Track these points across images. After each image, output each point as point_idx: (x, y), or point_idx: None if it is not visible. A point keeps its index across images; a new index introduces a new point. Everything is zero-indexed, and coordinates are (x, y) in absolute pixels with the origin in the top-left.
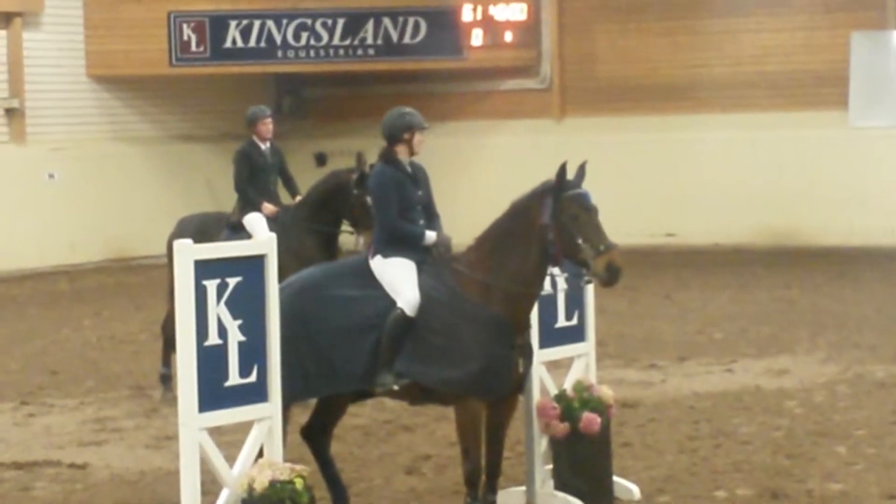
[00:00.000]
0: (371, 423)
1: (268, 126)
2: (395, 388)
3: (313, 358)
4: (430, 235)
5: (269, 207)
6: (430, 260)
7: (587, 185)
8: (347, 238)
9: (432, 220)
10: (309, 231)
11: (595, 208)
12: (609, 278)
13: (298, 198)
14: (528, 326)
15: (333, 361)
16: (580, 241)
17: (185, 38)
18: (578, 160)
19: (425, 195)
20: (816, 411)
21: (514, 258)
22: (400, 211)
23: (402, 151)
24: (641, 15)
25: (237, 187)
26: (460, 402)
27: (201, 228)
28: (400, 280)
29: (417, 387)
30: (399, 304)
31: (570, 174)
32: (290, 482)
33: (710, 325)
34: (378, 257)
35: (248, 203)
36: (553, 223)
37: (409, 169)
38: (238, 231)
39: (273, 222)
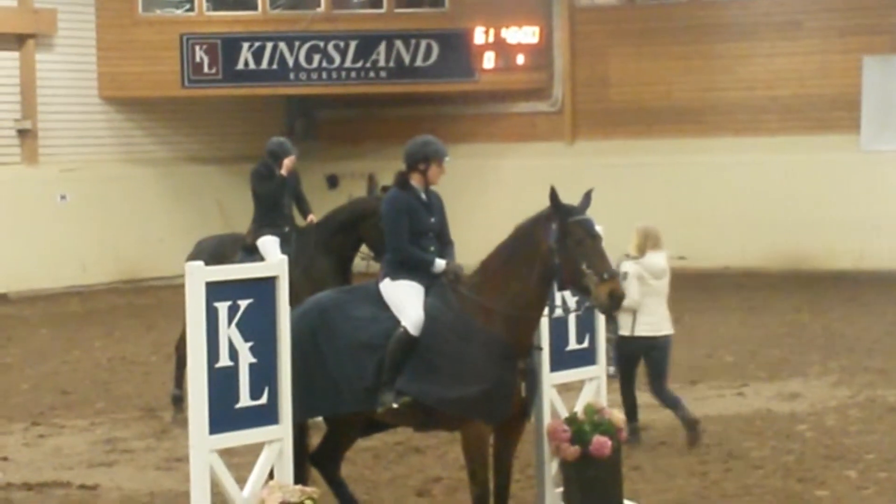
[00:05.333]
0: (382, 446)
1: (287, 164)
2: (395, 405)
3: (320, 377)
4: (440, 263)
5: (287, 163)
6: (437, 283)
7: (598, 208)
8: (358, 262)
9: (445, 247)
10: (325, 253)
11: (600, 235)
12: (611, 306)
13: (311, 217)
14: (531, 350)
15: (338, 380)
16: (584, 266)
17: (198, 59)
18: (590, 183)
19: (438, 222)
20: (827, 435)
21: (517, 282)
22: (412, 237)
23: (416, 179)
24: (654, 38)
25: (261, 198)
26: (465, 426)
27: (217, 250)
28: (406, 301)
29: (420, 408)
30: (403, 324)
31: (573, 201)
32: None
33: (721, 348)
34: (387, 280)
35: (266, 201)
36: (558, 247)
37: (423, 196)
38: (252, 253)
39: (288, 245)
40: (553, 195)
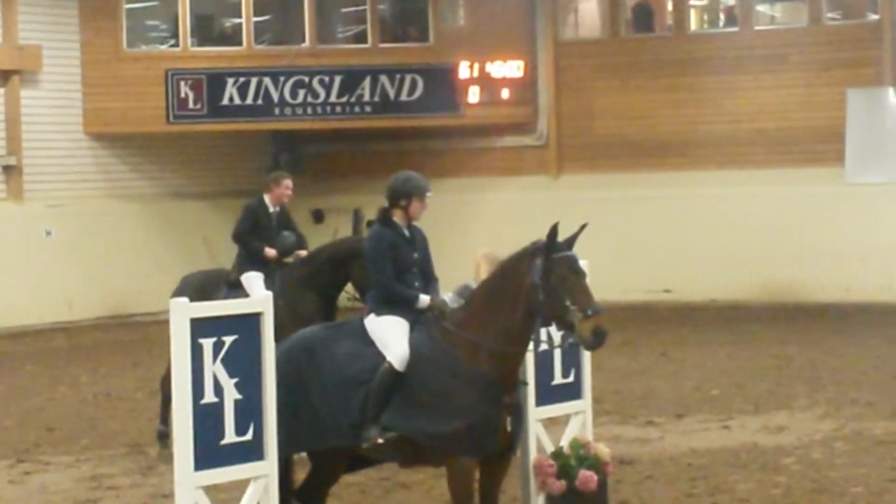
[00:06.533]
0: (367, 481)
1: (285, 191)
2: (381, 441)
3: (305, 412)
4: (424, 299)
5: (270, 252)
6: (422, 319)
7: (584, 242)
8: (342, 299)
9: (429, 283)
10: (309, 289)
11: (584, 272)
12: (595, 342)
13: (303, 252)
14: (516, 385)
15: (323, 416)
16: (568, 303)
17: (183, 95)
18: (575, 217)
19: (422, 258)
20: (814, 468)
21: (501, 317)
22: (396, 273)
23: (398, 215)
24: (638, 72)
25: (236, 237)
26: (451, 461)
27: (202, 286)
28: (391, 336)
29: (405, 444)
30: (388, 359)
31: (564, 235)
32: None
33: (708, 381)
34: (371, 315)
35: (249, 253)
36: (542, 284)
37: (406, 232)
38: (236, 288)
39: (271, 281)
40: (553, 231)
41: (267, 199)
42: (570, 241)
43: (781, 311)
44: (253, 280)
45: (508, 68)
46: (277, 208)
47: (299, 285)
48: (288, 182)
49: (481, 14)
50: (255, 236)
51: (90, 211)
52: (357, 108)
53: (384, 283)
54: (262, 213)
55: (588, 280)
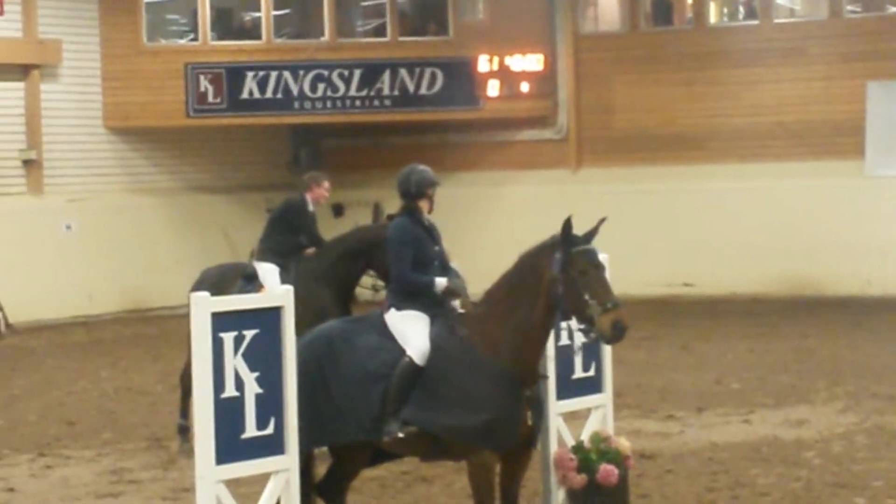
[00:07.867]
0: (388, 475)
1: (324, 192)
2: (401, 435)
3: (326, 407)
4: (441, 282)
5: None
6: (442, 312)
7: (604, 236)
8: (363, 291)
9: (448, 274)
10: (326, 282)
11: (603, 265)
12: (614, 336)
13: (311, 250)
14: (536, 379)
15: (344, 410)
16: (587, 296)
17: (202, 89)
18: (594, 210)
19: (441, 251)
20: (835, 462)
21: (521, 311)
22: (419, 267)
23: (425, 206)
24: (658, 65)
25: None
26: (471, 455)
27: (220, 280)
28: (411, 330)
29: (425, 438)
30: (408, 353)
31: (583, 229)
32: None
33: (728, 375)
34: (392, 310)
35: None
36: (562, 277)
37: (426, 224)
38: (252, 281)
39: (287, 274)
40: (566, 225)
41: (308, 197)
42: (590, 235)
43: (802, 304)
44: (268, 272)
45: (528, 62)
46: (313, 208)
47: (315, 279)
48: (327, 183)
49: (501, 7)
50: (293, 232)
51: (110, 205)
52: (377, 102)
53: (403, 274)
54: (305, 210)
55: (608, 274)
